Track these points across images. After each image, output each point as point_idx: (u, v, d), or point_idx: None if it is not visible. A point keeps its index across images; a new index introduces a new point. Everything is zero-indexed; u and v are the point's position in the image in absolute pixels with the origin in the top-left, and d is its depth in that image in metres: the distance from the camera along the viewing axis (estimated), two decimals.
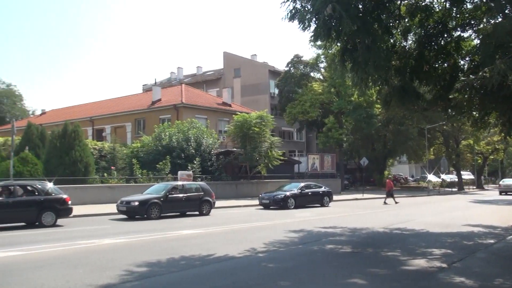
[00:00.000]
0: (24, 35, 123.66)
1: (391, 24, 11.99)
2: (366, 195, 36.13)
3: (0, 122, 54.54)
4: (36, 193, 15.82)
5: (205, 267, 9.10)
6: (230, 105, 44.66)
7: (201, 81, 61.51)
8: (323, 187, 27.40)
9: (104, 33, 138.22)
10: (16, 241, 12.37)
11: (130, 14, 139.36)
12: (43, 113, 56.14)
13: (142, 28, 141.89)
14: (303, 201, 25.43)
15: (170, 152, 29.82)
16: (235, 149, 34.44)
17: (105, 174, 28.47)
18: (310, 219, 19.19)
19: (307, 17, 10.20)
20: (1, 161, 24.70)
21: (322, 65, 50.63)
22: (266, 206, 24.67)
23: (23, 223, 15.69)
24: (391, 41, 12.42)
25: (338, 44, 11.78)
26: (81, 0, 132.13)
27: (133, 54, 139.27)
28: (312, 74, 51.96)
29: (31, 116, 59.54)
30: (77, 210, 17.70)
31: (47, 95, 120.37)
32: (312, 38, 10.86)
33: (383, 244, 12.33)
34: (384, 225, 16.67)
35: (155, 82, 63.57)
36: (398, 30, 12.64)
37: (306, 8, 10.23)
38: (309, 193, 25.96)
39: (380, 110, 43.53)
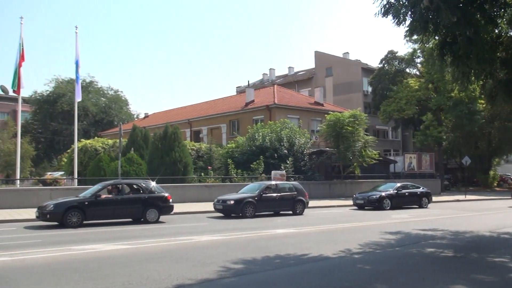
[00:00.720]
0: (130, 46, 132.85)
1: (495, 13, 11.16)
2: (469, 196, 33.90)
3: (109, 125, 59.00)
4: (141, 191, 16.97)
5: (299, 267, 9.16)
6: (322, 105, 44.33)
7: (293, 81, 61.76)
8: (421, 188, 26.21)
9: (201, 39, 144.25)
10: (125, 235, 13.37)
11: (224, 19, 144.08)
12: (146, 116, 59.87)
13: (236, 32, 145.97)
14: (399, 202, 24.54)
15: (263, 152, 30.32)
16: (328, 148, 34.13)
17: (202, 174, 29.71)
18: (407, 220, 18.47)
19: (402, 11, 9.87)
20: (111, 161, 26.77)
21: (418, 60, 48.40)
22: (360, 207, 24.16)
23: (130, 219, 16.92)
24: (496, 31, 11.57)
25: (436, 37, 11.23)
26: (173, 9, 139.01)
27: (227, 58, 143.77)
28: (407, 70, 49.89)
29: (136, 119, 63.74)
30: (177, 207, 18.67)
31: (150, 99, 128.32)
32: (407, 32, 10.50)
33: (489, 249, 11.53)
34: (491, 228, 15.55)
35: (248, 84, 64.98)
36: (504, 20, 11.73)
37: (401, 2, 9.91)
38: (406, 193, 24.98)
39: (484, 105, 40.63)
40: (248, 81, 67.85)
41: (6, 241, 12.21)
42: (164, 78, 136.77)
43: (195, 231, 14.48)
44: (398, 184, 25.52)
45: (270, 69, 70.58)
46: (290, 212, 20.37)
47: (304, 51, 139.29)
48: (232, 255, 9.92)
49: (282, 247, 11.21)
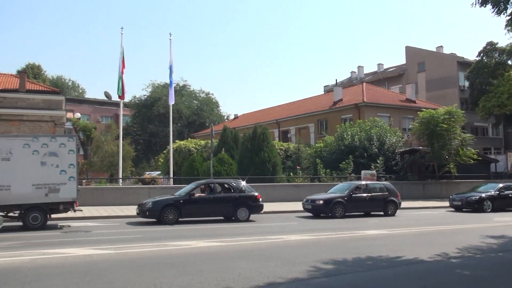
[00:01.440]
0: (220, 50, 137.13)
1: None
2: None
3: (201, 127, 61.35)
4: (232, 191, 17.47)
5: (392, 269, 8.91)
6: (414, 102, 42.52)
7: (382, 79, 59.88)
8: None
9: (289, 39, 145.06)
10: (217, 233, 13.86)
11: (312, 18, 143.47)
12: (236, 117, 61.42)
13: (323, 31, 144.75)
14: (502, 204, 22.81)
15: (352, 151, 29.78)
16: (421, 147, 32.67)
17: (291, 174, 29.86)
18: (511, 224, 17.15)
19: None
20: (203, 161, 27.85)
21: None
22: (458, 208, 22.84)
23: (221, 217, 17.50)
24: None
25: None
26: (261, 10, 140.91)
27: (315, 57, 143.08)
28: (509, 62, 46.18)
29: (226, 120, 65.61)
30: (266, 207, 18.96)
31: (239, 100, 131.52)
32: (509, 22, 9.76)
33: None
34: None
35: (336, 83, 64.13)
36: None
37: None
38: (510, 195, 23.17)
39: None
40: (336, 79, 66.89)
41: (111, 235, 13.22)
42: (253, 80, 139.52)
43: (285, 230, 14.62)
44: (501, 185, 23.72)
45: (359, 66, 69.02)
46: (381, 213, 19.81)
47: (394, 46, 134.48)
48: (322, 255, 9.89)
49: (373, 248, 10.96)
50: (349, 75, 71.72)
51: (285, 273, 8.17)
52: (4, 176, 13.94)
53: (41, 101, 34.20)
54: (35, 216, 14.48)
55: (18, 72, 45.09)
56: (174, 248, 10.82)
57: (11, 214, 14.78)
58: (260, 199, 17.68)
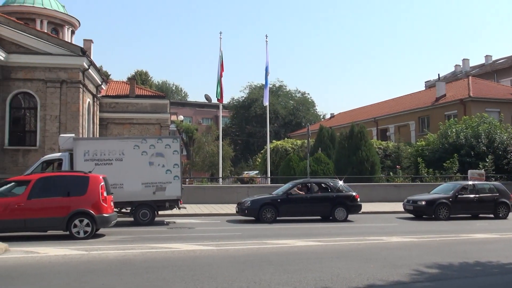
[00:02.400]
0: (314, 49, 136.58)
1: None
2: None
3: (298, 126, 61.53)
4: (329, 190, 17.35)
5: (505, 276, 8.29)
6: None
7: (491, 71, 55.48)
8: None
9: (386, 33, 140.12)
10: (315, 232, 13.87)
11: (412, 10, 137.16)
12: (332, 116, 60.76)
13: (423, 23, 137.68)
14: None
15: (457, 150, 28.03)
16: None
17: (391, 173, 28.90)
18: None
19: None
20: (300, 161, 27.96)
21: None
22: None
23: (318, 217, 17.46)
24: None
25: None
26: (354, 5, 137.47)
27: (414, 51, 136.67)
28: None
29: (322, 120, 65.18)
30: (364, 207, 18.55)
31: (335, 99, 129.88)
32: None
33: None
34: None
35: (439, 77, 60.67)
36: None
37: None
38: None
39: None
40: (438, 74, 63.19)
41: (212, 232, 13.80)
42: (349, 77, 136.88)
43: (384, 231, 14.21)
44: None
45: (464, 59, 64.61)
46: (491, 215, 18.46)
47: (504, 36, 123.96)
48: (425, 258, 9.47)
49: (482, 253, 10.27)
50: (452, 69, 67.49)
51: (385, 275, 7.96)
52: (118, 175, 15.15)
53: (149, 105, 36.65)
54: (145, 213, 15.56)
55: (128, 79, 48.72)
56: (272, 247, 11.03)
57: (123, 210, 16.04)
58: (358, 199, 17.35)
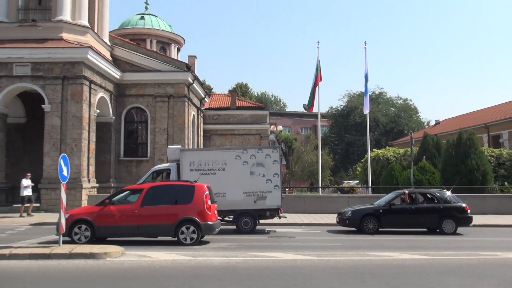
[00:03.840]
0: (414, 54, 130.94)
1: None
2: None
3: (399, 134, 59.30)
4: (436, 201, 16.46)
5: None
6: None
7: None
8: None
9: (492, 31, 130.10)
10: (420, 245, 13.24)
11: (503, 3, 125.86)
12: (437, 123, 57.66)
13: None
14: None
15: None
16: None
17: (505, 183, 26.68)
18: None
19: None
20: (402, 170, 26.89)
21: None
22: None
23: (424, 229, 16.62)
24: None
25: None
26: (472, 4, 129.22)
27: None
28: None
29: (426, 127, 62.11)
30: (475, 219, 17.29)
31: (440, 105, 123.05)
32: None
33: None
34: None
35: None
36: None
37: None
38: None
39: None
40: None
41: (313, 242, 13.77)
42: (454, 81, 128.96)
43: (500, 246, 13.14)
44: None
45: None
46: None
47: None
48: None
49: None
50: None
51: None
52: (221, 184, 15.75)
53: (249, 116, 37.74)
54: (246, 221, 15.98)
55: (229, 91, 50.56)
56: (375, 259, 10.73)
57: (226, 218, 16.61)
58: (468, 211, 16.23)
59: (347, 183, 43.31)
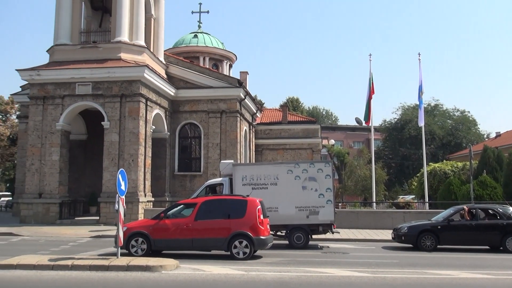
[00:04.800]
0: (471, 64, 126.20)
1: None
2: None
3: (457, 148, 57.05)
4: (498, 217, 15.69)
5: None
6: None
7: None
8: None
9: None
10: (482, 264, 12.64)
11: None
12: (498, 135, 55.06)
13: None
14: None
15: None
16: None
17: None
18: None
19: None
20: (461, 184, 25.84)
21: None
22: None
23: (485, 247, 15.84)
24: None
25: None
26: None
27: None
28: None
29: (486, 139, 59.45)
30: None
31: (500, 116, 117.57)
32: None
33: None
34: None
35: None
36: None
37: None
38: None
39: None
40: None
41: (367, 258, 13.46)
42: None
43: None
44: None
45: None
46: None
47: None
48: None
49: None
50: None
51: None
52: (273, 199, 15.78)
53: (300, 131, 37.68)
54: (299, 236, 15.86)
55: (281, 106, 50.82)
56: (433, 277, 10.34)
57: (278, 233, 16.57)
58: None
59: (402, 198, 42.13)
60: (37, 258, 11.38)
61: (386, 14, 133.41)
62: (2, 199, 45.05)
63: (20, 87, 30.90)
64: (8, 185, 57.19)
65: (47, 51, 25.82)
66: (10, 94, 39.49)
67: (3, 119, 47.85)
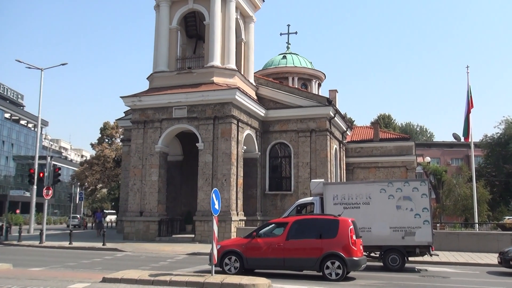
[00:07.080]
0: None
1: None
2: None
3: None
4: None
5: None
6: None
7: None
8: None
9: None
10: None
11: None
12: None
13: None
14: None
15: None
16: None
17: None
18: None
19: None
20: None
21: None
22: None
23: None
24: None
25: None
26: None
27: None
28: None
29: None
30: None
31: None
32: None
33: None
34: None
35: None
36: None
37: None
38: None
39: None
40: None
41: (471, 284, 12.59)
42: None
43: None
44: None
45: None
46: None
47: None
48: None
49: None
50: None
51: None
52: (365, 218, 15.37)
53: (393, 148, 36.48)
54: (394, 258, 15.22)
55: (372, 123, 49.61)
56: None
57: (372, 254, 16.06)
58: None
59: (508, 218, 38.82)
60: (139, 273, 12.09)
61: (483, 24, 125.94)
62: (108, 217, 48.47)
63: (124, 112, 33.40)
64: (113, 203, 61.64)
65: (147, 78, 27.71)
66: (115, 120, 42.60)
67: (109, 142, 51.89)
